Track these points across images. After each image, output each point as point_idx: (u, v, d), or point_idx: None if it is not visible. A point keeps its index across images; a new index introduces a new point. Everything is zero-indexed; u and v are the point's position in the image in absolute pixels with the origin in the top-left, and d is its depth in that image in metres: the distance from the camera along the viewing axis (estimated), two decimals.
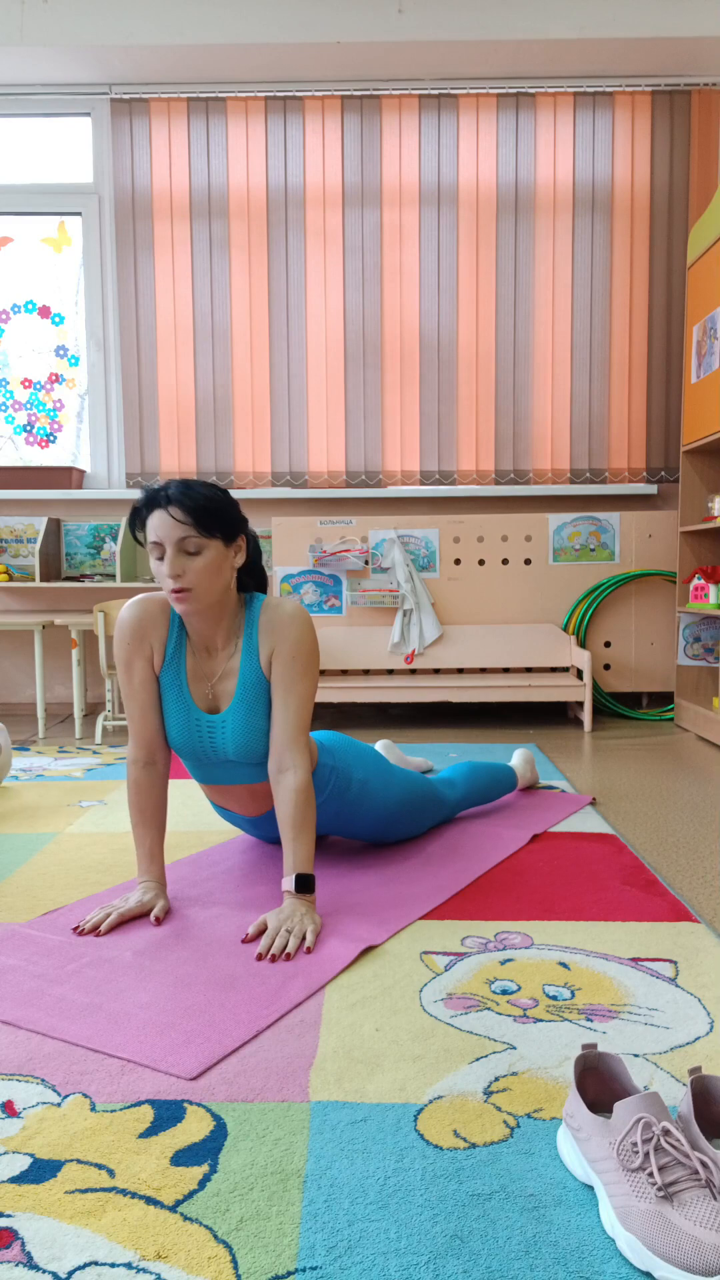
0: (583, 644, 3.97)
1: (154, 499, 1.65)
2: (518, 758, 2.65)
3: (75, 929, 1.66)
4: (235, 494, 4.17)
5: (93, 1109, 1.12)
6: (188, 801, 2.60)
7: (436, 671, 4.01)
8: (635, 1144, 0.92)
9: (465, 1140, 1.05)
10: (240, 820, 2.01)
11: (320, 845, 2.18)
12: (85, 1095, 1.15)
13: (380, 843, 2.15)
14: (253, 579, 1.86)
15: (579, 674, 3.82)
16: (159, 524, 1.63)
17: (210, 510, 1.65)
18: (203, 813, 2.48)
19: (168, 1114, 1.11)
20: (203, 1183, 0.98)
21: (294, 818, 1.68)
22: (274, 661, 1.74)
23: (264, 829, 2.01)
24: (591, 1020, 1.33)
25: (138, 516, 1.68)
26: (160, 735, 1.82)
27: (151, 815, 1.79)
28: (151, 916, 1.70)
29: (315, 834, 1.73)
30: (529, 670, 4.03)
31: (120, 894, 1.85)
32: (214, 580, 1.68)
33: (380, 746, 2.73)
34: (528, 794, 2.61)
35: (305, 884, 1.66)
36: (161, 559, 1.65)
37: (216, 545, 1.67)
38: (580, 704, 3.88)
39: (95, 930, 1.65)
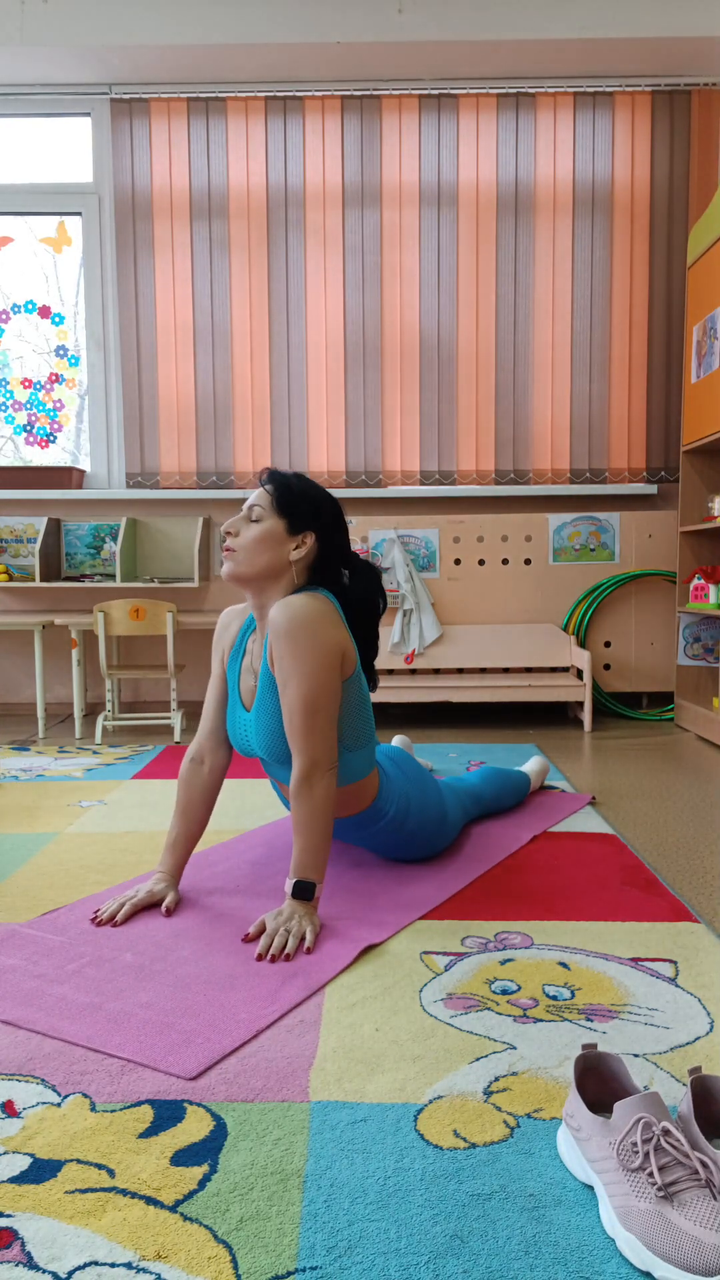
0: (583, 644, 3.97)
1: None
2: (534, 765, 2.64)
3: (93, 919, 1.69)
4: (232, 494, 4.17)
5: (93, 1109, 1.12)
6: None
7: (436, 671, 4.01)
8: (635, 1144, 0.92)
9: (465, 1140, 1.05)
10: None
11: None
12: (85, 1095, 1.15)
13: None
14: (323, 575, 1.81)
15: (579, 674, 3.82)
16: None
17: (288, 491, 1.74)
18: None
19: (168, 1114, 1.11)
20: (203, 1183, 0.98)
21: (299, 821, 1.66)
22: (275, 662, 1.74)
23: None
24: (591, 1020, 1.33)
25: None
26: (213, 737, 1.86)
27: (184, 809, 1.83)
28: (162, 907, 1.74)
29: (325, 837, 1.67)
30: (529, 670, 4.03)
31: (120, 892, 1.85)
32: (258, 551, 1.72)
33: (397, 741, 2.72)
34: (529, 794, 2.61)
35: (303, 891, 1.64)
36: None
37: (277, 524, 1.73)
38: (580, 704, 3.88)
39: (112, 920, 1.69)
